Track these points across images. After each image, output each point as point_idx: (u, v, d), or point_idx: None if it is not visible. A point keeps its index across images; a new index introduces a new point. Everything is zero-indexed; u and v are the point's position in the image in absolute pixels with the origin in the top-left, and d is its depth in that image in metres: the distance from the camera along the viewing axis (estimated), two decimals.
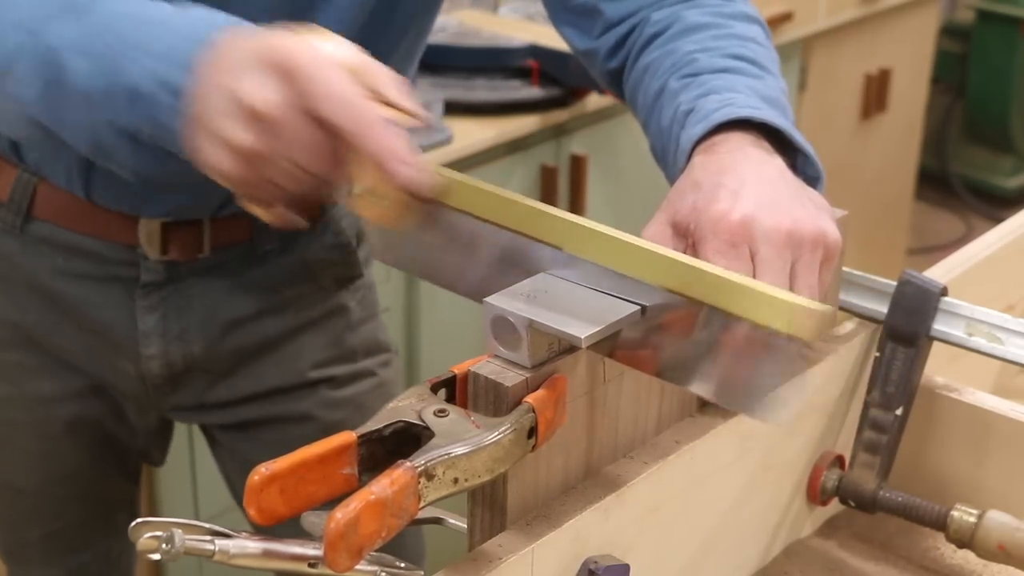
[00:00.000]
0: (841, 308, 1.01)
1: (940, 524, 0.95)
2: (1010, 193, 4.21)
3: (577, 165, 2.33)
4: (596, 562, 0.79)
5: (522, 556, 0.75)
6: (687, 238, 0.87)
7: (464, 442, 0.71)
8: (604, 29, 1.10)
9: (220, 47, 0.79)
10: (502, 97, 2.24)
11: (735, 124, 0.93)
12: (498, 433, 0.71)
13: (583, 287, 0.79)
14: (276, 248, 1.19)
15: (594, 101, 2.29)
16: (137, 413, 1.25)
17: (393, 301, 2.09)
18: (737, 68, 0.99)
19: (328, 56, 0.77)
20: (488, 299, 0.76)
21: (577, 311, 0.76)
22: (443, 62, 2.30)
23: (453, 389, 0.77)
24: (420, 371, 2.16)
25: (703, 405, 0.90)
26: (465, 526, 0.81)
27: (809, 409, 0.97)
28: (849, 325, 1.00)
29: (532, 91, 2.26)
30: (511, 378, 0.74)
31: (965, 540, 0.94)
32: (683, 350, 0.79)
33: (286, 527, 0.75)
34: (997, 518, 0.93)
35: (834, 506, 1.03)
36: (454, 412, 0.74)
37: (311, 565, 0.79)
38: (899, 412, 0.97)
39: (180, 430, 1.38)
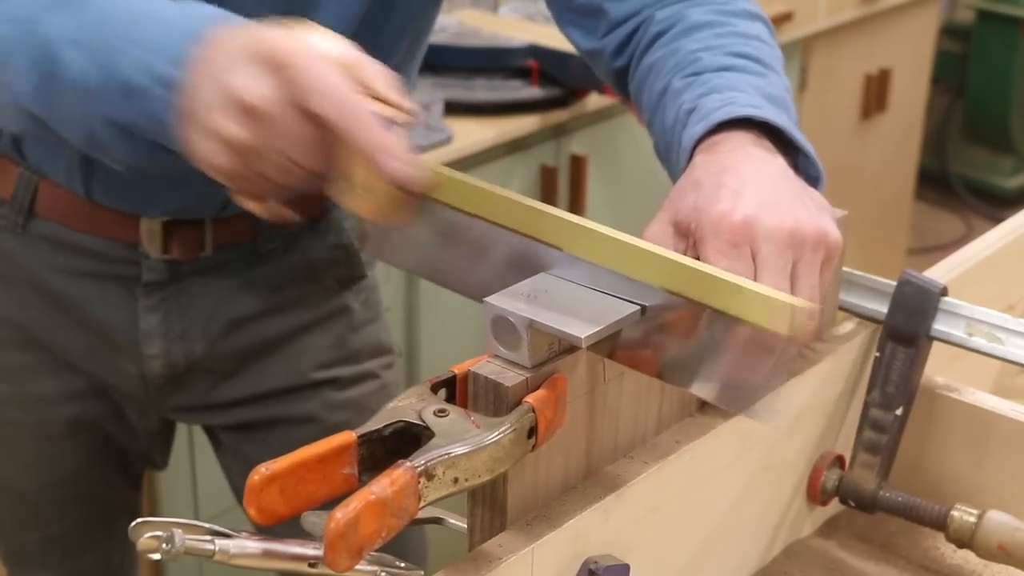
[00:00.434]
0: (841, 308, 1.01)
1: (940, 524, 0.95)
2: (1010, 193, 4.21)
3: (577, 165, 2.33)
4: (596, 562, 0.79)
5: (522, 556, 0.75)
6: (688, 237, 0.87)
7: (464, 442, 0.71)
8: (608, 29, 1.10)
9: (213, 41, 0.79)
10: (502, 97, 2.24)
11: (737, 123, 0.93)
12: (498, 433, 0.71)
13: (583, 287, 0.79)
14: (279, 248, 1.19)
15: (594, 101, 2.29)
16: (138, 414, 1.25)
17: (393, 301, 2.09)
18: (740, 66, 0.99)
19: (319, 51, 0.78)
20: (488, 299, 0.76)
21: (577, 311, 0.76)
22: (443, 62, 2.30)
23: (453, 389, 0.77)
24: (420, 371, 2.16)
25: (703, 405, 0.90)
26: (465, 526, 0.81)
27: (809, 409, 0.97)
28: (849, 325, 1.00)
29: (532, 91, 2.26)
30: (511, 378, 0.74)
31: (965, 540, 0.94)
32: (682, 351, 0.79)
33: (286, 527, 0.75)
34: (997, 518, 0.93)
35: (834, 506, 1.03)
36: (454, 412, 0.74)
37: (311, 565, 0.79)
38: (899, 412, 0.97)
39: (180, 430, 1.38)
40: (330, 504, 0.68)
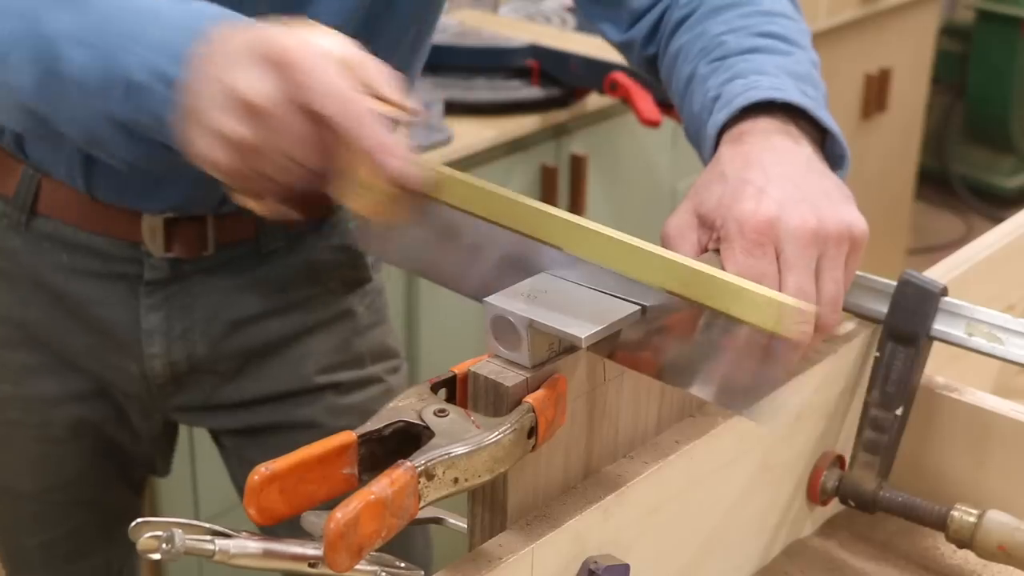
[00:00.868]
0: (842, 308, 1.01)
1: (940, 524, 0.95)
2: (1010, 193, 4.21)
3: (577, 165, 2.33)
4: (596, 562, 0.79)
5: (522, 556, 0.75)
6: (712, 231, 0.88)
7: (464, 442, 0.71)
8: (633, 20, 1.11)
9: (214, 39, 0.79)
10: (502, 97, 2.24)
11: (761, 107, 0.93)
12: (498, 433, 0.71)
13: (583, 287, 0.79)
14: (282, 248, 1.18)
15: (594, 101, 2.29)
16: (140, 416, 1.24)
17: (393, 301, 2.08)
18: (765, 47, 0.99)
19: (321, 49, 0.78)
20: (488, 299, 0.76)
21: (577, 311, 0.76)
22: (443, 62, 2.30)
23: (453, 389, 0.77)
24: (420, 371, 2.16)
25: (703, 405, 0.90)
26: (465, 526, 0.81)
27: (809, 409, 0.97)
28: (849, 325, 1.00)
29: (532, 91, 2.26)
30: (511, 378, 0.74)
31: (965, 540, 0.94)
32: (682, 351, 0.79)
33: (286, 527, 0.75)
34: (997, 518, 0.93)
35: (834, 506, 1.03)
36: (454, 412, 0.74)
37: (311, 565, 0.79)
38: (899, 412, 0.97)
39: (181, 431, 1.38)
40: (330, 504, 0.68)
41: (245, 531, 0.79)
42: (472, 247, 0.83)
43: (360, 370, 1.26)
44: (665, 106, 2.14)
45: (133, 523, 0.79)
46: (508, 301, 0.76)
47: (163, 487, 1.91)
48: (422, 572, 0.82)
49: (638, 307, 0.77)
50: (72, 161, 1.11)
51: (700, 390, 0.79)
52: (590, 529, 0.79)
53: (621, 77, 2.16)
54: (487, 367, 0.75)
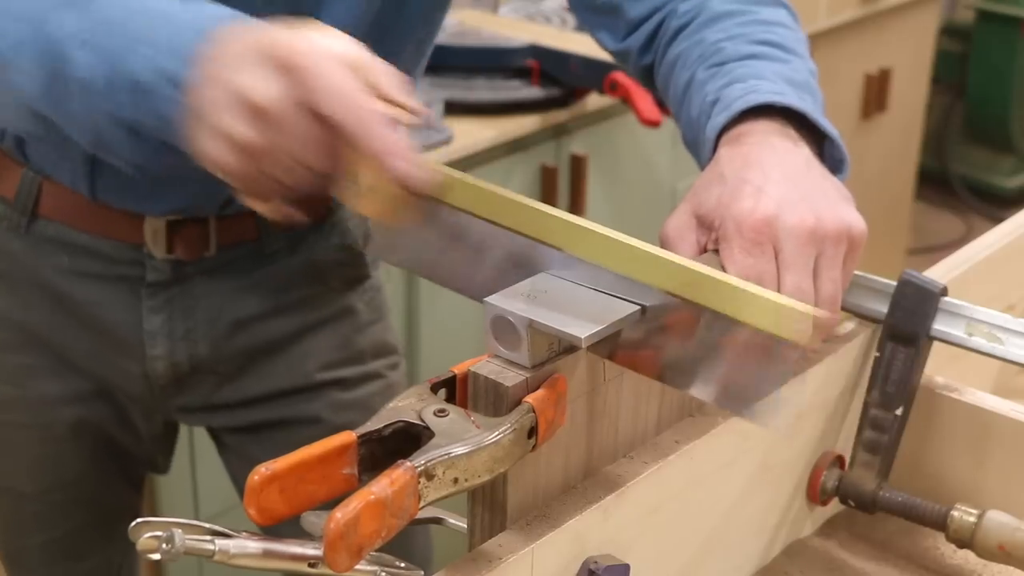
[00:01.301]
0: (841, 308, 1.01)
1: (940, 524, 0.95)
2: (1010, 193, 4.21)
3: (577, 165, 2.33)
4: (596, 562, 0.79)
5: (522, 556, 0.75)
6: (711, 231, 0.88)
7: (464, 442, 0.71)
8: (630, 29, 1.11)
9: (221, 40, 0.79)
10: (502, 97, 2.24)
11: (760, 111, 0.94)
12: (498, 433, 0.71)
13: (583, 287, 0.79)
14: (283, 248, 1.18)
15: (594, 101, 2.29)
16: (142, 417, 1.25)
17: (393, 301, 2.09)
18: (763, 54, 1.00)
19: (328, 51, 0.78)
20: (488, 299, 0.76)
21: (577, 311, 0.76)
22: (443, 62, 2.30)
23: (453, 389, 0.77)
24: (420, 371, 2.16)
25: (703, 405, 0.90)
26: (465, 526, 0.81)
27: (809, 409, 0.97)
28: (849, 325, 1.00)
29: (532, 91, 2.26)
30: (511, 378, 0.74)
31: (965, 540, 0.94)
32: (682, 352, 0.79)
33: (286, 527, 0.75)
34: (997, 518, 0.93)
35: (834, 506, 1.03)
36: (454, 412, 0.74)
37: (311, 565, 0.79)
38: (899, 412, 0.97)
39: (181, 431, 1.38)
40: (330, 504, 0.68)
41: (245, 531, 0.79)
42: (477, 249, 0.83)
43: (361, 366, 1.27)
44: (665, 106, 2.13)
45: (133, 523, 0.79)
46: (508, 301, 0.76)
47: (163, 487, 1.91)
48: (422, 572, 0.82)
49: (638, 307, 0.77)
50: (76, 164, 1.11)
51: (700, 391, 0.79)
52: (590, 529, 0.79)
53: (621, 77, 2.16)
54: (487, 367, 0.75)
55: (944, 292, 0.96)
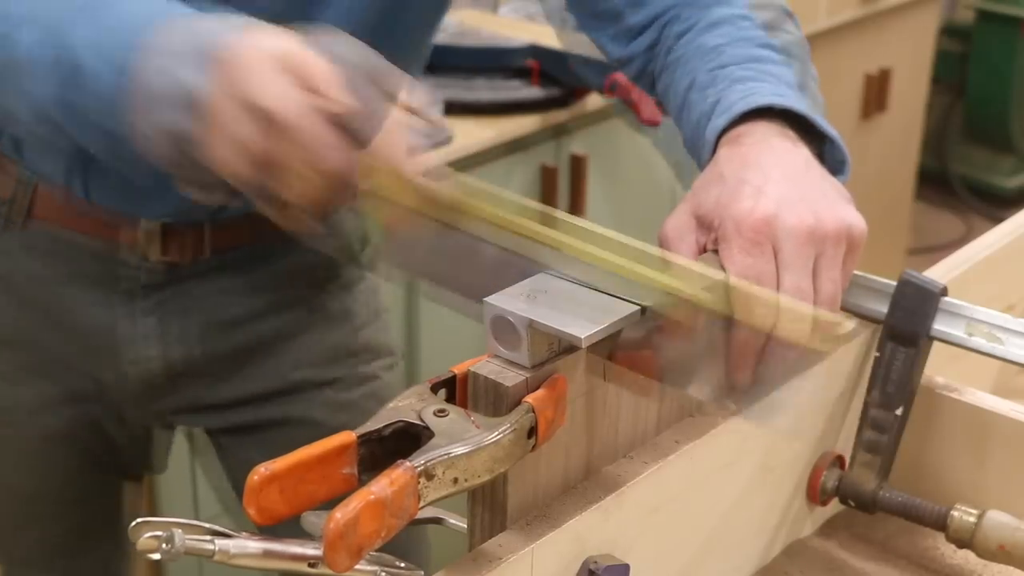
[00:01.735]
0: (841, 308, 1.01)
1: (940, 524, 0.95)
2: (1010, 193, 4.21)
3: (577, 165, 2.33)
4: (596, 562, 0.79)
5: (522, 556, 0.75)
6: (710, 231, 0.88)
7: (464, 442, 0.71)
8: (632, 36, 1.11)
9: (164, 32, 0.80)
10: (502, 97, 2.24)
11: (760, 113, 0.94)
12: (498, 433, 0.71)
13: (583, 287, 0.79)
14: (278, 250, 1.18)
15: (594, 101, 2.29)
16: (136, 418, 1.24)
17: (393, 301, 2.09)
18: (764, 57, 1.00)
19: (268, 52, 0.78)
20: (488, 299, 0.76)
21: (577, 311, 0.76)
22: (443, 62, 2.30)
23: (453, 389, 0.77)
24: (420, 371, 2.16)
25: (703, 405, 0.90)
26: (465, 526, 0.81)
27: (809, 409, 0.97)
28: (849, 325, 1.00)
29: (532, 91, 2.26)
30: (511, 378, 0.74)
31: (965, 540, 0.94)
32: (682, 353, 0.79)
33: (286, 527, 0.75)
34: (997, 518, 0.93)
35: (834, 506, 1.03)
36: (454, 412, 0.74)
37: (311, 565, 0.79)
38: (899, 412, 0.97)
39: (181, 429, 1.38)
40: (330, 504, 0.68)
41: (245, 531, 0.79)
42: (481, 259, 0.83)
43: (356, 367, 1.27)
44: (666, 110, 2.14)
45: (133, 523, 0.79)
46: (508, 301, 0.76)
47: (163, 487, 1.91)
48: (422, 572, 0.82)
49: (638, 307, 0.77)
50: (72, 166, 1.11)
51: (698, 390, 0.79)
52: (590, 529, 0.79)
53: (621, 77, 2.16)
54: (487, 367, 0.75)
55: (944, 292, 0.96)
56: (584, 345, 0.74)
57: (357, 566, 0.68)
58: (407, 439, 0.73)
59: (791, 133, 0.94)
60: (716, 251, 0.88)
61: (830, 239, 0.85)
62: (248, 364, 1.22)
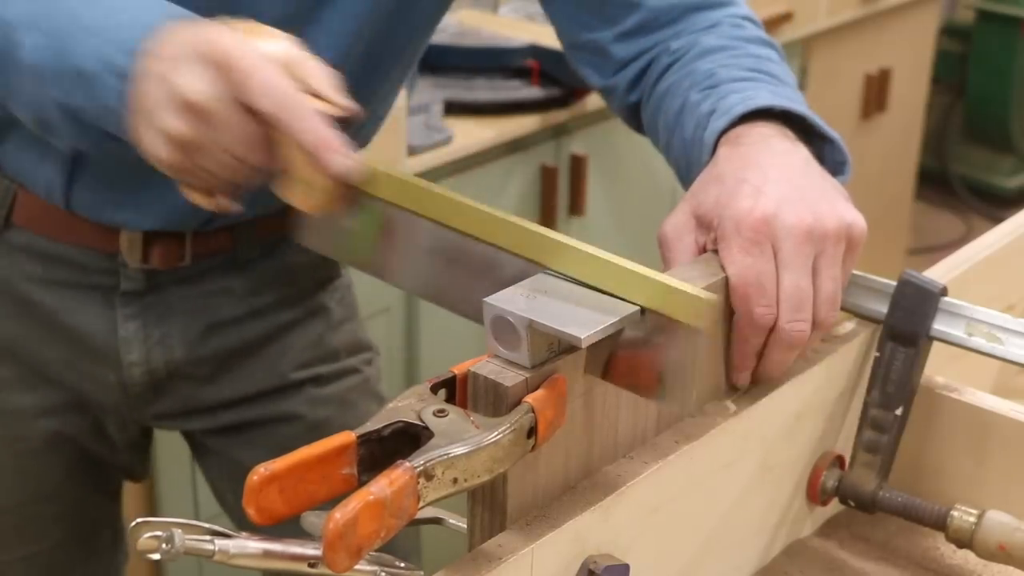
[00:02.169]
0: (841, 308, 1.01)
1: (940, 524, 0.95)
2: (1010, 193, 4.21)
3: (577, 165, 2.33)
4: (596, 562, 0.79)
5: (522, 556, 0.75)
6: (710, 231, 0.88)
7: (463, 442, 0.71)
8: (616, 68, 1.12)
9: (162, 37, 0.81)
10: (502, 97, 2.24)
11: (759, 114, 0.94)
12: (497, 433, 0.71)
13: (583, 287, 0.79)
14: (257, 256, 1.19)
15: (594, 101, 2.29)
16: (117, 426, 1.24)
17: (393, 301, 2.09)
18: (756, 77, 1.01)
19: (262, 50, 0.81)
20: (488, 299, 0.76)
21: (577, 311, 0.76)
22: (443, 62, 2.30)
23: (453, 389, 0.77)
24: (420, 371, 2.16)
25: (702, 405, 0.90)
26: (465, 526, 0.81)
27: (809, 409, 0.97)
28: (849, 325, 1.00)
29: (532, 91, 2.26)
30: (511, 378, 0.74)
31: (965, 540, 0.94)
32: (680, 358, 0.78)
33: (286, 527, 0.75)
34: (997, 518, 0.93)
35: (834, 506, 1.03)
36: (453, 412, 0.74)
37: (311, 565, 0.79)
38: (899, 412, 0.97)
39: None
40: (330, 504, 0.68)
41: (245, 531, 0.79)
42: (400, 239, 0.86)
43: (336, 363, 1.27)
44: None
45: (133, 523, 0.79)
46: (508, 301, 0.76)
47: (163, 486, 1.91)
48: (422, 572, 0.82)
49: (638, 307, 0.77)
50: (53, 178, 1.10)
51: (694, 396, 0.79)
52: (590, 529, 0.79)
53: None
54: (487, 367, 0.75)
55: (944, 292, 0.96)
56: (584, 345, 0.74)
57: (357, 566, 0.68)
58: (407, 439, 0.73)
59: (790, 134, 0.94)
60: (716, 251, 0.88)
61: (830, 238, 0.86)
62: (230, 366, 1.22)
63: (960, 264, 1.13)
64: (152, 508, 1.91)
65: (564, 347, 0.76)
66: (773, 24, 2.69)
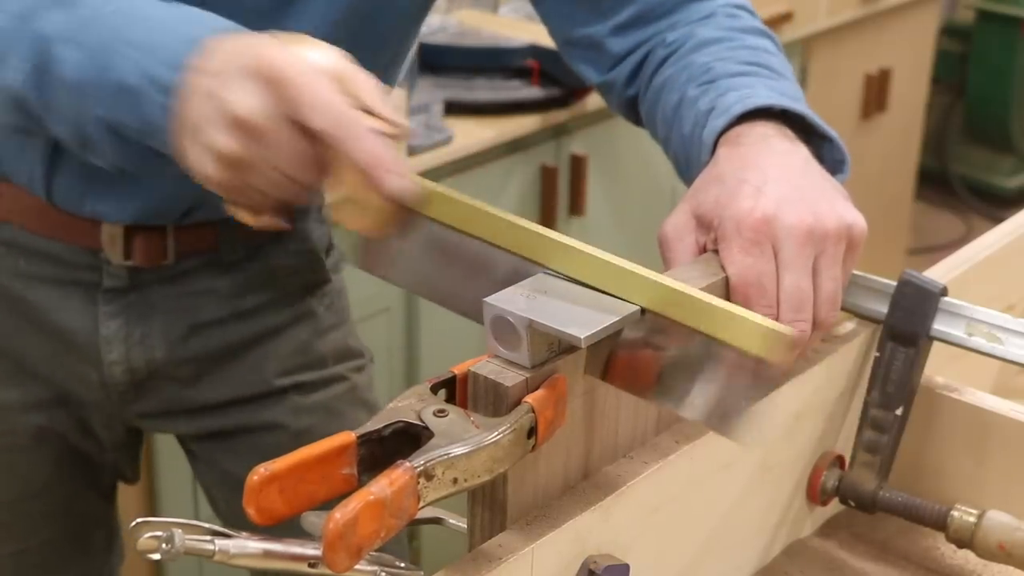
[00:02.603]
0: (841, 308, 1.01)
1: (940, 524, 0.95)
2: (1010, 193, 4.21)
3: (577, 165, 2.33)
4: (596, 562, 0.79)
5: (522, 556, 0.75)
6: (710, 231, 0.88)
7: (463, 442, 0.71)
8: (612, 64, 1.11)
9: (210, 51, 0.79)
10: (502, 97, 2.24)
11: (758, 113, 0.94)
12: (497, 433, 0.71)
13: (583, 287, 0.79)
14: (241, 257, 1.18)
15: (594, 101, 2.29)
16: (103, 424, 1.23)
17: (393, 301, 2.09)
18: (753, 72, 1.00)
19: (314, 64, 0.78)
20: (488, 299, 0.76)
21: (577, 311, 0.76)
22: (443, 62, 2.30)
23: (453, 389, 0.77)
24: (420, 371, 2.16)
25: None
26: (465, 526, 0.81)
27: (809, 409, 0.97)
28: (849, 325, 1.00)
29: (532, 91, 2.26)
30: (511, 378, 0.74)
31: (965, 540, 0.94)
32: (671, 372, 0.78)
33: (286, 527, 0.74)
34: (997, 518, 0.93)
35: (834, 506, 1.03)
36: (454, 412, 0.74)
37: (311, 565, 0.79)
38: (899, 412, 0.97)
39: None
40: (330, 504, 0.68)
41: (245, 531, 0.79)
42: (467, 265, 0.83)
43: (322, 370, 1.25)
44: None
45: (133, 523, 0.79)
46: (508, 301, 0.76)
47: (163, 486, 1.91)
48: (422, 572, 0.82)
49: (638, 307, 0.77)
50: (34, 167, 1.10)
51: (687, 410, 0.78)
52: (590, 529, 0.79)
53: None
54: (487, 367, 0.75)
55: (944, 292, 0.96)
56: (584, 345, 0.74)
57: (357, 566, 0.68)
58: (407, 439, 0.73)
59: (790, 133, 0.94)
60: (716, 251, 0.88)
61: (830, 238, 0.86)
62: (213, 369, 1.20)
63: (960, 264, 1.13)
64: (152, 508, 1.91)
65: (564, 347, 0.76)
66: (773, 24, 2.68)
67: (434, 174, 2.06)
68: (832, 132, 0.97)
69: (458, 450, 0.70)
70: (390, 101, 0.81)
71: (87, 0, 0.85)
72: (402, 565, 0.82)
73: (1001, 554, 0.92)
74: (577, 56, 1.14)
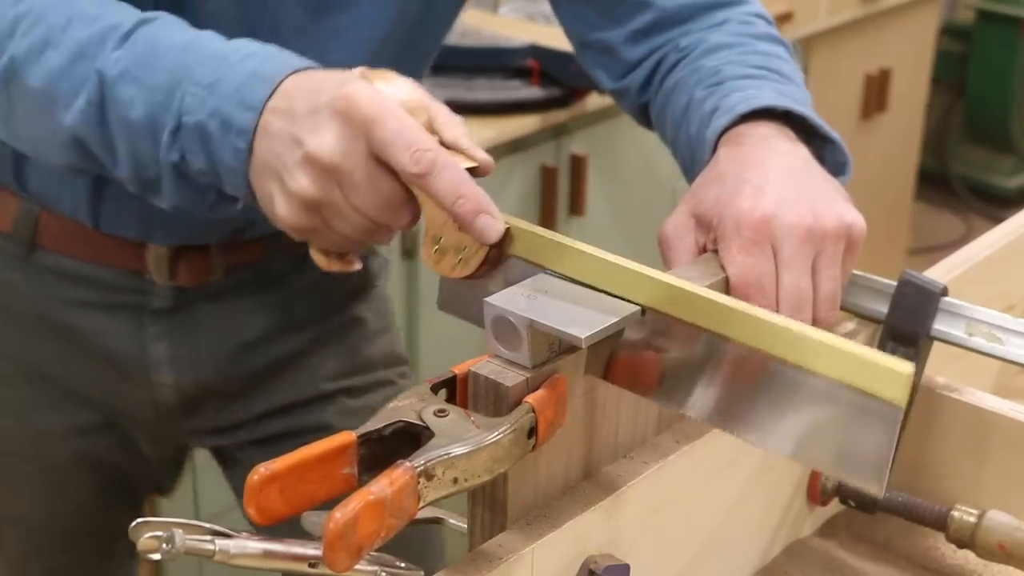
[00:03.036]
0: (841, 308, 1.01)
1: (940, 524, 0.95)
2: (1010, 193, 4.21)
3: (577, 165, 2.33)
4: (596, 562, 0.79)
5: (522, 556, 0.75)
6: (710, 231, 0.88)
7: (464, 442, 0.71)
8: (626, 70, 1.11)
9: (284, 90, 0.77)
10: (502, 97, 2.24)
11: (761, 114, 0.94)
12: (498, 433, 0.71)
13: (583, 287, 0.79)
14: (290, 268, 1.16)
15: (594, 101, 2.29)
16: (151, 442, 1.22)
17: (394, 302, 2.09)
18: (761, 75, 1.01)
19: (396, 101, 0.76)
20: (488, 299, 0.76)
21: (577, 311, 0.76)
22: (443, 62, 2.28)
23: (453, 389, 0.77)
24: (420, 371, 2.16)
25: None
26: (465, 526, 0.81)
27: None
28: (849, 325, 1.00)
29: (532, 91, 2.26)
30: (511, 378, 0.74)
31: (965, 540, 0.94)
32: (678, 371, 0.77)
33: (286, 527, 0.74)
34: (997, 518, 0.93)
35: (834, 506, 1.03)
36: (454, 412, 0.74)
37: (311, 565, 0.79)
38: None
39: None
40: (330, 504, 0.68)
41: (245, 531, 0.79)
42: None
43: (371, 374, 1.24)
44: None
45: (133, 523, 0.79)
46: (508, 301, 0.76)
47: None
48: (422, 572, 0.82)
49: (638, 307, 0.77)
50: (78, 194, 1.08)
51: (693, 409, 0.76)
52: (590, 529, 0.79)
53: None
54: (487, 367, 0.75)
55: (944, 292, 0.96)
56: (584, 345, 0.74)
57: (357, 566, 0.68)
58: (407, 439, 0.73)
59: (791, 134, 0.94)
60: (716, 251, 0.88)
61: (829, 237, 0.86)
62: (263, 383, 1.20)
63: (960, 264, 1.13)
64: (152, 508, 1.90)
65: (565, 347, 0.76)
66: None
67: None
68: (834, 134, 0.97)
69: (458, 450, 0.70)
70: (469, 135, 0.79)
71: (142, 36, 0.83)
72: (402, 565, 0.82)
73: (1001, 554, 0.92)
74: (591, 59, 1.14)
